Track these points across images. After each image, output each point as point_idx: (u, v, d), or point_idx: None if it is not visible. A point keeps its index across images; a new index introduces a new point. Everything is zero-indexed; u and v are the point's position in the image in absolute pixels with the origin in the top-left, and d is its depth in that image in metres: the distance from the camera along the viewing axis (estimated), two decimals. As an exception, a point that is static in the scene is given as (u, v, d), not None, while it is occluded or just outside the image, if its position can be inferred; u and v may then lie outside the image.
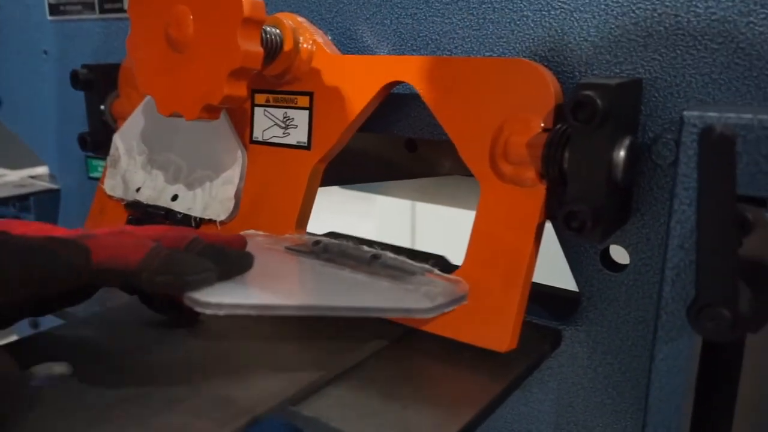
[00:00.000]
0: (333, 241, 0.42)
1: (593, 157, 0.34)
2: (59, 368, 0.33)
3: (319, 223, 0.69)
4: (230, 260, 0.36)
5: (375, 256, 0.39)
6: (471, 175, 0.41)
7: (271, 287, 0.36)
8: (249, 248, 0.39)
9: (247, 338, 0.38)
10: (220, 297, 0.32)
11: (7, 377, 0.29)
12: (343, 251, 0.41)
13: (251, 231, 0.47)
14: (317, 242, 0.42)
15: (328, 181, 0.50)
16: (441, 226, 0.63)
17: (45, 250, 0.32)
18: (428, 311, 0.36)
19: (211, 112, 0.42)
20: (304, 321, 0.39)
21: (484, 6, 0.42)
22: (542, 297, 0.47)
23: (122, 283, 0.35)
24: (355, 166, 0.63)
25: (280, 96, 0.49)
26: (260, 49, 0.40)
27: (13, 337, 0.95)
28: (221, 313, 0.32)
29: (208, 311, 0.31)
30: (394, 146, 0.66)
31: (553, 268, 0.54)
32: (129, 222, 0.57)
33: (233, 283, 0.35)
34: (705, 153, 0.24)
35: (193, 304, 0.32)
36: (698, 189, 0.25)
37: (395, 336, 0.39)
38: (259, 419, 0.30)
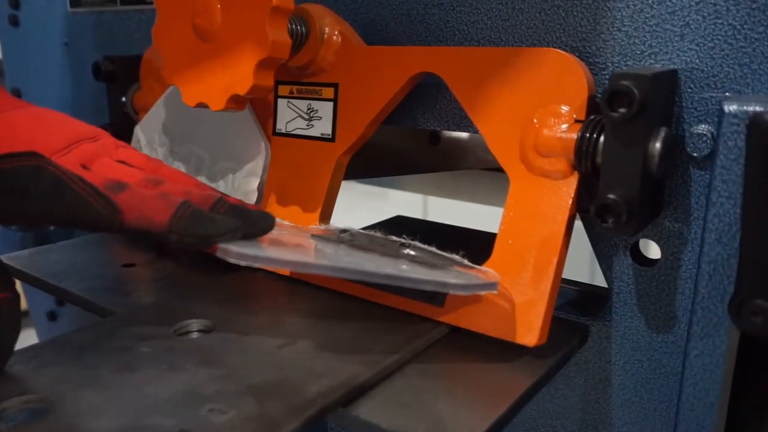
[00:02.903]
0: (360, 230, 0.42)
1: (629, 149, 0.33)
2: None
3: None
4: (253, 219, 0.37)
5: (404, 244, 0.39)
6: (495, 169, 0.40)
7: (303, 252, 0.36)
8: (276, 233, 0.39)
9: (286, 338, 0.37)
10: (255, 250, 0.32)
11: None
12: (370, 239, 0.40)
13: (277, 219, 0.47)
14: (344, 230, 0.42)
15: (349, 174, 0.50)
16: (453, 220, 0.63)
17: (76, 195, 0.33)
18: (463, 288, 0.35)
19: (237, 102, 0.41)
20: (345, 322, 0.39)
21: (513, -5, 0.42)
22: (570, 292, 0.47)
23: (151, 240, 0.36)
24: (378, 159, 0.63)
25: (304, 87, 0.48)
26: (288, 39, 0.40)
27: (32, 331, 0.96)
28: (256, 264, 0.32)
29: (242, 262, 0.31)
30: (417, 139, 0.65)
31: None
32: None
33: (265, 244, 0.35)
34: (753, 142, 0.24)
35: (225, 255, 0.32)
36: (745, 179, 0.25)
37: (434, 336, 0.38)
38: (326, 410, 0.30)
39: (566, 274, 0.41)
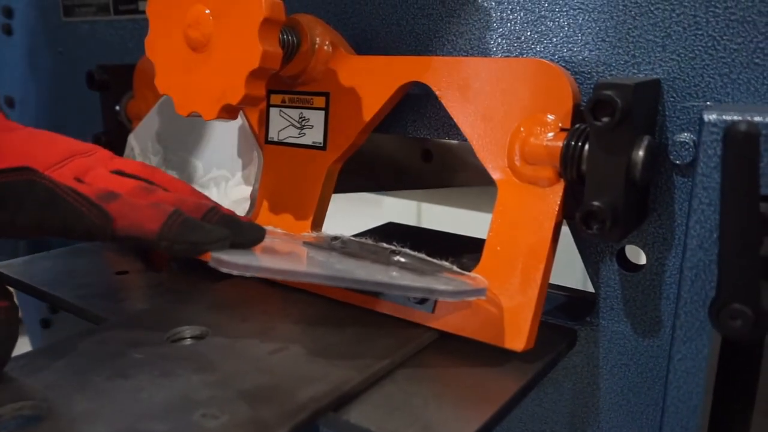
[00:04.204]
0: (351, 238, 0.43)
1: (612, 157, 0.34)
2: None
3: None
4: (244, 230, 0.38)
5: (394, 251, 0.39)
6: (488, 185, 0.41)
7: (294, 261, 0.36)
8: (268, 241, 0.40)
9: (279, 342, 0.38)
10: (247, 259, 0.33)
11: None
12: (362, 246, 0.41)
13: (269, 227, 0.48)
14: (336, 238, 0.42)
15: (343, 187, 0.50)
16: (447, 226, 0.64)
17: (69, 206, 0.34)
18: (452, 294, 0.35)
19: (229, 112, 0.42)
20: (336, 328, 0.39)
21: (500, 6, 0.43)
22: (557, 297, 0.47)
23: (142, 247, 0.36)
24: (372, 175, 0.64)
25: (296, 96, 0.49)
26: (279, 50, 0.40)
27: (25, 339, 0.95)
28: (248, 274, 0.32)
29: (234, 272, 0.32)
30: (410, 156, 0.66)
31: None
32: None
33: (258, 252, 0.35)
34: (729, 151, 0.24)
35: (218, 265, 0.32)
36: (722, 187, 0.26)
37: (423, 342, 0.39)
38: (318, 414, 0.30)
39: (559, 279, 0.42)
